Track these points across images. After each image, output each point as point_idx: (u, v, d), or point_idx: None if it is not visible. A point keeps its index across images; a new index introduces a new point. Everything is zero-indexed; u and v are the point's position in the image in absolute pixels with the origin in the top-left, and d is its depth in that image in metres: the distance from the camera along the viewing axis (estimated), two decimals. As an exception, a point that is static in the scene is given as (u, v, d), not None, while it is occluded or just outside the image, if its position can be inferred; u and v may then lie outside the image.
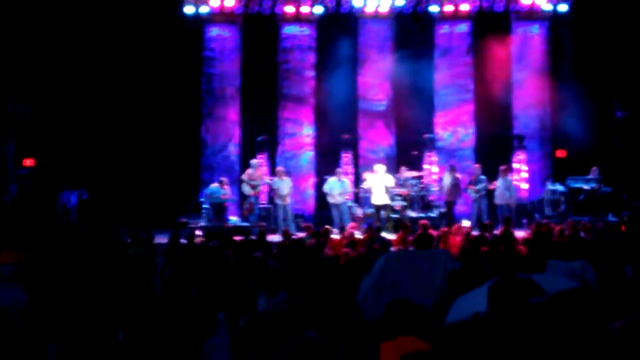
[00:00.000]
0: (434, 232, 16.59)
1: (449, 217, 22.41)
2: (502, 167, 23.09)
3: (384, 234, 18.28)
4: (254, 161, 23.82)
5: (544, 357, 3.85)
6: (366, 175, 22.85)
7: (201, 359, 5.98)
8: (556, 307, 5.66)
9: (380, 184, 21.86)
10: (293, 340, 3.76)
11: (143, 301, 6.37)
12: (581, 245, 14.06)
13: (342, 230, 18.09)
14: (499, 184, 22.67)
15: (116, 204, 23.28)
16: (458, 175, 23.31)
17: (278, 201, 22.85)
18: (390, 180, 22.15)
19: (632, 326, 5.44)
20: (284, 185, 22.81)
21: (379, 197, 21.87)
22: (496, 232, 17.12)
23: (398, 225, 19.53)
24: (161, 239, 17.96)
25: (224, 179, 23.38)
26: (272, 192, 23.60)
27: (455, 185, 23.02)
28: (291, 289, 7.87)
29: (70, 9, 23.65)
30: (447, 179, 23.13)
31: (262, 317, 5.80)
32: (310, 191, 25.82)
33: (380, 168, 22.22)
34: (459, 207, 24.00)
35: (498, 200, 22.76)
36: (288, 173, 23.72)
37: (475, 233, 17.65)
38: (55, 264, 10.60)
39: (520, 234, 17.88)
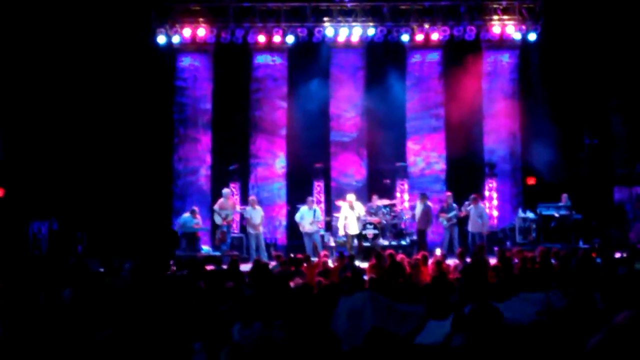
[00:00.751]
0: (406, 260, 16.62)
1: (421, 245, 22.41)
2: (473, 195, 23.20)
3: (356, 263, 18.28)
4: (225, 190, 23.80)
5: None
6: (341, 203, 22.91)
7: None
8: (522, 338, 5.71)
9: (351, 213, 21.93)
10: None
11: (119, 331, 6.33)
12: (552, 272, 14.12)
13: (311, 259, 18.14)
14: (471, 212, 22.74)
15: (88, 233, 23.18)
16: (429, 204, 23.36)
17: (250, 230, 22.84)
18: (361, 208, 22.23)
19: (606, 340, 5.48)
20: (256, 214, 22.81)
21: (352, 227, 21.92)
22: (468, 260, 17.11)
23: (370, 253, 19.56)
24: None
25: (196, 208, 23.35)
26: (245, 221, 23.59)
27: (427, 213, 23.05)
28: (265, 319, 7.85)
29: (43, 36, 23.58)
30: (419, 207, 23.16)
31: (242, 348, 5.79)
32: (283, 220, 25.80)
33: (350, 197, 22.29)
34: (431, 235, 24.05)
35: (470, 227, 22.84)
36: (260, 202, 23.74)
37: (448, 261, 17.71)
38: (28, 296, 10.51)
39: (492, 261, 17.94)
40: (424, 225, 22.96)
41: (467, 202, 23.05)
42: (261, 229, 22.95)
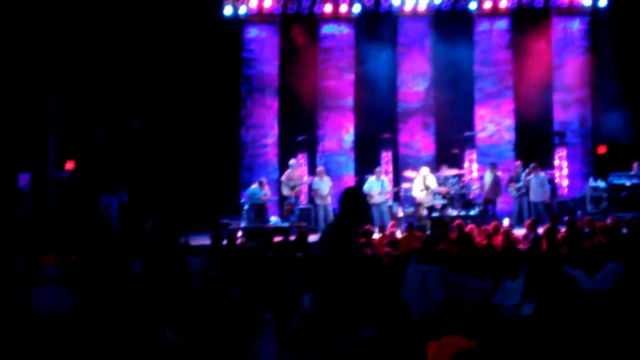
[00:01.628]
0: (475, 230, 16.54)
1: (490, 215, 22.25)
2: (533, 164, 22.92)
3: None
4: (292, 161, 23.83)
5: (590, 355, 3.82)
6: (410, 174, 22.84)
7: (250, 358, 6.00)
8: (598, 307, 5.63)
9: (424, 186, 21.82)
10: (354, 338, 3.75)
11: (188, 301, 6.36)
12: (623, 242, 13.93)
13: (381, 229, 18.07)
14: (531, 181, 22.50)
15: (157, 206, 23.39)
16: (499, 174, 23.15)
17: (318, 201, 22.86)
18: (433, 181, 22.09)
19: None
20: (324, 185, 22.80)
21: (426, 199, 21.83)
22: (540, 230, 16.93)
23: (438, 223, 19.44)
24: (202, 241, 18.05)
25: (264, 179, 23.38)
26: (312, 192, 23.61)
27: (496, 183, 22.83)
28: (334, 290, 7.86)
29: (111, 10, 23.71)
30: (488, 177, 22.95)
31: (312, 316, 5.79)
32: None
33: (424, 170, 22.17)
34: (500, 205, 23.87)
35: (532, 197, 22.59)
36: (327, 173, 23.72)
37: (516, 231, 17.59)
38: (101, 266, 10.65)
39: (563, 230, 17.75)
40: (493, 195, 22.74)
41: (525, 173, 22.79)
42: (329, 199, 22.93)
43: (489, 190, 22.65)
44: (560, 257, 10.54)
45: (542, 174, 22.74)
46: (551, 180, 24.80)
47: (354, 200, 6.76)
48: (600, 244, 13.99)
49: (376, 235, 17.58)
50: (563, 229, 17.08)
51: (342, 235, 6.55)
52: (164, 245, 13.69)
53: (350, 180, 25.68)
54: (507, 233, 15.88)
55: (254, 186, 23.05)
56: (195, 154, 24.65)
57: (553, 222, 17.07)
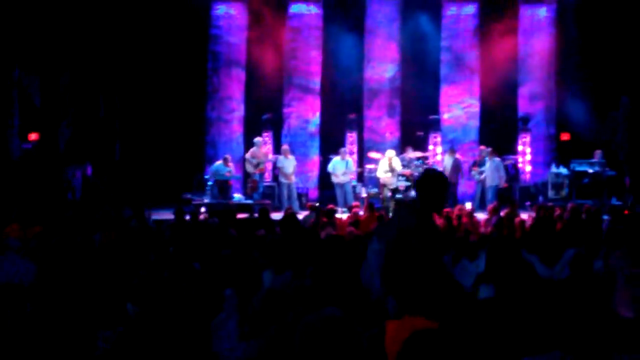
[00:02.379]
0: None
1: (451, 199, 22.38)
2: (489, 149, 23.13)
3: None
4: (257, 139, 23.85)
5: (554, 336, 3.89)
6: (374, 155, 22.95)
7: (209, 334, 6.03)
8: (559, 289, 5.70)
9: (389, 169, 21.89)
10: (313, 317, 3.78)
11: (146, 274, 6.39)
12: (582, 229, 14.09)
13: (349, 209, 18.16)
14: (487, 165, 22.69)
15: (121, 180, 23.35)
16: (458, 156, 23.31)
17: (282, 180, 22.92)
18: (398, 164, 22.18)
19: None
20: (289, 163, 22.86)
21: (391, 181, 21.90)
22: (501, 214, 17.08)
23: (400, 205, 19.52)
24: (165, 215, 18.07)
25: (228, 156, 23.41)
26: (277, 171, 23.66)
27: (457, 167, 23.01)
28: (297, 267, 7.91)
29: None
30: (448, 161, 23.15)
31: (275, 293, 5.84)
32: (314, 171, 25.81)
33: (390, 152, 22.24)
34: (461, 189, 24.05)
35: (488, 182, 22.76)
36: (292, 152, 23.76)
37: (477, 215, 17.73)
38: (64, 238, 10.63)
39: (523, 216, 17.91)
40: (454, 178, 22.88)
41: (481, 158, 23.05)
42: (293, 178, 23.01)
43: (450, 174, 22.73)
44: (519, 242, 10.65)
45: (497, 158, 22.89)
46: (514, 166, 25.03)
47: (435, 184, 6.74)
48: (562, 230, 14.16)
49: (339, 215, 17.68)
50: (523, 214, 17.29)
51: (420, 218, 6.55)
52: (119, 220, 13.72)
53: (315, 160, 25.74)
54: (469, 216, 16.02)
55: (218, 163, 23.06)
56: (161, 128, 24.64)
57: (512, 207, 17.21)
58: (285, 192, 22.85)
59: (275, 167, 24.15)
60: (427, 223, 6.54)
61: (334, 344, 3.74)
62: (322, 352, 3.73)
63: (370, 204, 18.56)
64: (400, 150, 24.10)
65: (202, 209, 20.35)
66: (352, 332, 3.86)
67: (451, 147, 23.87)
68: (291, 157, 23.13)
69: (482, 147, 23.73)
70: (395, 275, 6.19)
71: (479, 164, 23.12)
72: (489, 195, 22.50)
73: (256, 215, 17.93)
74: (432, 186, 6.67)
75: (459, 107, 26.22)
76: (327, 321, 3.81)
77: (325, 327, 3.77)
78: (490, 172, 22.68)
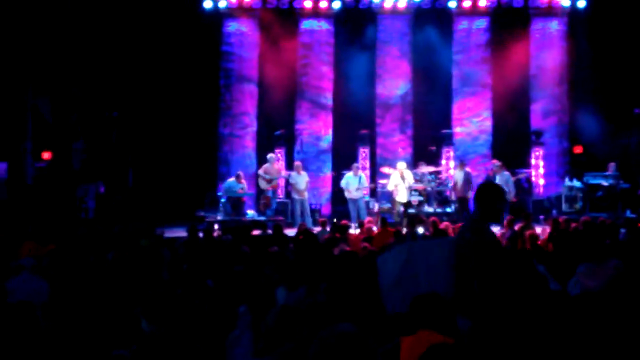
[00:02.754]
0: (451, 227, 16.58)
1: (465, 213, 22.31)
2: (498, 163, 23.06)
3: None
4: (270, 155, 23.87)
5: (576, 353, 3.86)
6: (387, 170, 22.91)
7: (224, 351, 6.02)
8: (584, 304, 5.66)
9: (401, 182, 21.88)
10: (328, 332, 3.76)
11: (161, 292, 6.38)
12: (596, 242, 14.01)
13: (360, 225, 18.13)
14: (496, 179, 22.59)
15: (134, 198, 23.38)
16: (468, 170, 23.23)
17: (295, 196, 22.90)
18: (410, 177, 22.17)
19: None
20: (301, 179, 22.84)
21: (402, 195, 21.88)
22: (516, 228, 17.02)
23: (414, 220, 19.48)
24: (179, 233, 18.07)
25: (241, 173, 23.43)
26: (289, 187, 23.67)
27: (467, 181, 22.90)
28: (311, 284, 7.90)
29: (92, 2, 23.66)
30: (459, 175, 23.01)
31: (289, 310, 5.82)
32: (327, 186, 25.80)
33: (401, 165, 22.23)
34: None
35: None
36: (305, 168, 23.76)
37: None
38: (77, 256, 10.65)
39: (537, 230, 17.85)
40: (466, 192, 22.80)
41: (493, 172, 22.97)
42: (306, 194, 22.98)
43: (461, 188, 22.68)
44: (533, 255, 10.59)
45: (506, 173, 22.77)
46: (528, 179, 25.00)
47: (489, 195, 6.78)
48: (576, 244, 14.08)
49: (353, 231, 17.66)
50: (538, 228, 17.24)
51: (479, 230, 6.57)
52: (132, 238, 13.72)
53: (327, 175, 25.74)
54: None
55: (231, 180, 23.10)
56: (174, 146, 24.71)
57: (527, 221, 17.13)
58: (298, 208, 22.83)
59: (288, 184, 24.16)
60: (483, 235, 6.56)
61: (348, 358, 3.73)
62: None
63: (383, 219, 18.55)
64: (413, 165, 24.08)
65: (216, 226, 20.34)
66: (367, 347, 3.84)
67: (461, 161, 23.81)
68: (303, 173, 23.12)
69: (495, 161, 23.62)
70: (462, 290, 6.21)
71: (492, 178, 23.03)
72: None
73: (269, 231, 17.92)
74: (487, 197, 6.70)
75: (471, 121, 26.19)
76: (341, 337, 3.80)
77: (340, 342, 3.76)
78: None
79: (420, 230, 16.85)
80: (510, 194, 22.51)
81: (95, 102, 24.22)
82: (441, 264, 8.52)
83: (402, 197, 21.93)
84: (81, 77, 23.84)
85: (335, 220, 19.75)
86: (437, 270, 8.28)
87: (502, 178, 22.47)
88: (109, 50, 24.02)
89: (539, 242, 15.45)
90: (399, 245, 9.67)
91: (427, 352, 3.73)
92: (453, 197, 23.45)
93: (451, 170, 24.98)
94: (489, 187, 6.84)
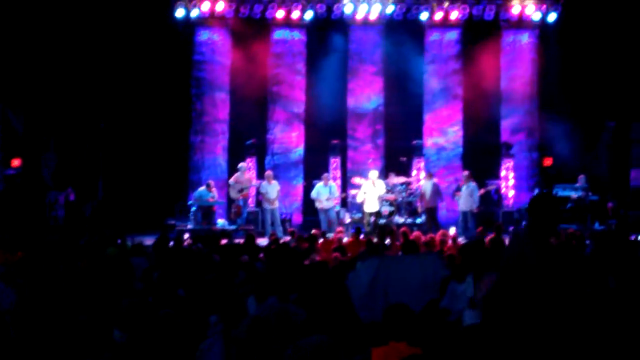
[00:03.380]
0: (422, 238, 16.63)
1: (433, 224, 22.35)
2: (465, 173, 23.19)
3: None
4: (241, 165, 23.87)
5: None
6: (358, 180, 22.91)
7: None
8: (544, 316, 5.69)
9: (372, 190, 21.90)
10: (303, 343, 3.77)
11: (133, 301, 6.37)
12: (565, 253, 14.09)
13: (323, 234, 18.14)
14: (462, 190, 22.67)
15: (104, 206, 23.29)
16: (436, 181, 23.26)
17: (266, 205, 22.89)
18: (382, 186, 22.21)
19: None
20: (272, 189, 22.83)
21: (371, 204, 21.91)
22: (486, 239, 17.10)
23: (384, 230, 19.52)
24: (149, 241, 17.99)
25: (211, 182, 23.40)
26: (260, 196, 23.66)
27: (436, 192, 22.92)
28: (281, 294, 7.90)
29: (59, 11, 23.56)
30: (427, 185, 23.02)
31: (261, 321, 5.83)
32: (298, 196, 25.80)
33: (373, 174, 22.25)
34: (448, 214, 24.07)
35: (462, 206, 22.76)
36: (276, 177, 23.77)
37: (461, 240, 17.76)
38: (46, 264, 10.59)
39: (507, 241, 17.94)
40: (434, 203, 22.87)
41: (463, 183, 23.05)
42: (277, 203, 22.97)
43: (430, 198, 22.71)
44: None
45: (472, 183, 22.82)
46: (497, 191, 25.12)
47: (542, 205, 6.65)
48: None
49: (323, 240, 17.67)
50: (507, 240, 17.30)
51: (535, 241, 6.44)
52: (98, 247, 13.66)
53: (298, 185, 25.74)
54: (454, 240, 16.05)
55: (202, 188, 23.07)
56: (145, 154, 24.61)
57: (497, 232, 17.21)
58: (269, 218, 22.82)
59: (258, 193, 24.15)
60: (536, 246, 6.43)
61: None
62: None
63: (358, 228, 18.61)
64: (384, 175, 24.13)
65: (186, 235, 20.29)
66: (339, 358, 3.86)
67: (429, 171, 23.89)
68: (274, 182, 23.11)
69: (465, 172, 23.70)
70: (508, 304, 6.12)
71: (461, 189, 23.09)
72: (469, 220, 22.48)
73: (239, 240, 17.94)
74: (540, 208, 6.59)
75: (443, 132, 26.31)
76: (315, 348, 3.81)
77: (314, 354, 3.77)
78: (464, 197, 22.66)
79: (387, 241, 16.93)
80: (474, 204, 22.53)
81: (66, 110, 24.08)
82: (418, 281, 8.58)
83: (371, 206, 21.95)
84: (53, 87, 23.73)
85: (304, 230, 19.70)
86: (412, 286, 8.34)
87: (468, 189, 22.56)
88: (80, 59, 23.93)
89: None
90: (370, 259, 9.73)
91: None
92: (420, 208, 23.47)
93: (422, 181, 25.03)
94: (541, 197, 6.74)
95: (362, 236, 18.01)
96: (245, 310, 8.00)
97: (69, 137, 24.23)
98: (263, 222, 23.26)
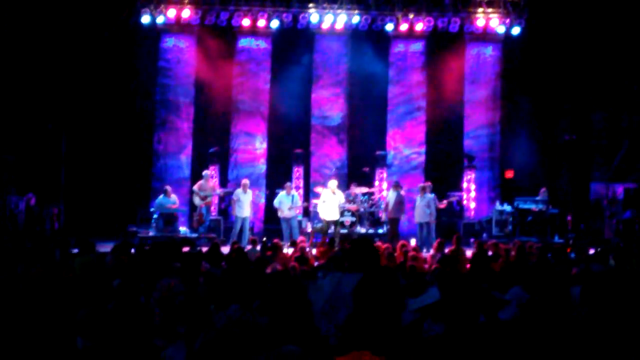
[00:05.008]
0: (382, 247, 16.66)
1: (395, 235, 22.27)
2: (421, 185, 23.23)
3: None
4: (205, 172, 23.82)
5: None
6: (319, 190, 22.90)
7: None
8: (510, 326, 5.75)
9: (331, 199, 21.88)
10: (273, 354, 3.80)
11: (96, 309, 6.35)
12: (527, 266, 14.22)
13: (292, 244, 18.11)
14: (418, 201, 22.62)
15: (65, 211, 23.16)
16: (402, 192, 23.21)
17: (238, 213, 22.62)
18: (341, 196, 22.21)
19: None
20: (246, 198, 22.63)
21: (331, 213, 21.89)
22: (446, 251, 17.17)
23: (346, 240, 19.52)
24: (110, 248, 17.89)
25: (168, 187, 23.29)
26: (223, 204, 23.66)
27: (400, 202, 22.73)
28: (243, 303, 7.88)
29: (22, 13, 23.43)
30: (392, 195, 22.88)
31: (222, 330, 5.82)
32: (261, 203, 25.76)
33: (332, 184, 22.23)
34: (409, 225, 24.12)
35: (418, 218, 22.65)
36: (238, 185, 23.73)
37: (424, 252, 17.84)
38: (3, 269, 10.54)
39: (468, 253, 18.06)
40: (397, 214, 22.68)
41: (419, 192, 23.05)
42: (249, 213, 22.80)
43: (393, 209, 22.54)
44: (466, 278, 10.70)
45: (429, 194, 22.75)
46: (459, 202, 25.28)
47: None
48: (506, 267, 14.28)
49: (286, 250, 17.67)
50: (468, 251, 17.45)
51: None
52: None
53: (260, 194, 25.70)
54: (416, 251, 16.08)
55: (161, 196, 22.97)
56: (108, 161, 24.50)
57: (457, 244, 17.26)
58: (238, 226, 22.51)
59: (221, 201, 24.19)
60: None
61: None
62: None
63: (332, 239, 18.70)
64: (346, 186, 24.19)
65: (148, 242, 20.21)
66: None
67: (396, 182, 23.76)
68: (249, 192, 22.92)
69: (428, 183, 23.75)
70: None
71: (416, 200, 23.06)
72: (424, 231, 22.39)
73: (201, 248, 17.91)
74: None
75: (406, 143, 26.41)
76: (287, 358, 3.83)
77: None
78: (420, 208, 22.53)
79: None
80: (432, 216, 22.44)
81: (28, 114, 23.91)
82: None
83: (331, 215, 21.91)
84: (15, 89, 23.55)
85: (265, 239, 19.67)
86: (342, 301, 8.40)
87: (424, 200, 22.43)
88: (44, 62, 23.78)
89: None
90: (333, 272, 9.78)
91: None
92: (384, 218, 23.49)
93: (384, 192, 25.11)
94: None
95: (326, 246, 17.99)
96: (208, 318, 7.98)
97: (30, 140, 24.02)
98: (226, 230, 23.20)
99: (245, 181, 23.28)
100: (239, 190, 22.85)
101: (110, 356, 5.43)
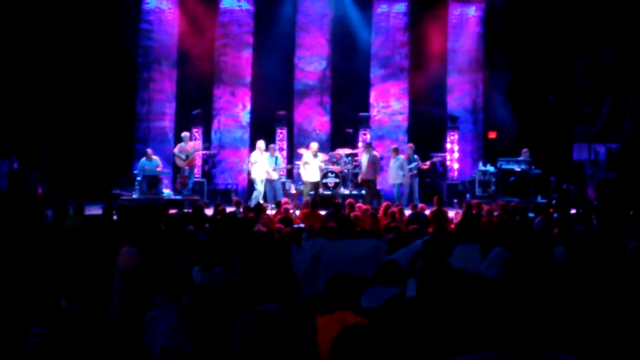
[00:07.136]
0: (362, 207, 16.72)
1: (374, 197, 22.14)
2: (393, 147, 23.20)
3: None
4: (184, 134, 23.74)
5: (485, 334, 3.98)
6: (304, 151, 22.87)
7: (144, 327, 6.03)
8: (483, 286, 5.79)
9: (313, 161, 21.89)
10: (254, 312, 3.83)
11: (80, 270, 6.37)
12: (510, 226, 14.33)
13: (277, 205, 18.12)
14: (391, 164, 22.60)
15: (48, 173, 23.08)
16: (376, 153, 22.94)
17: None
18: (322, 157, 22.21)
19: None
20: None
21: (312, 174, 21.91)
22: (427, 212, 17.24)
23: (330, 201, 19.54)
24: (94, 210, 17.91)
25: (149, 150, 23.13)
26: (207, 167, 23.70)
27: (373, 163, 22.51)
28: (226, 264, 7.92)
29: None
30: (364, 157, 22.68)
31: (205, 290, 5.86)
32: (244, 166, 25.71)
33: (314, 145, 22.20)
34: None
35: (391, 180, 22.71)
36: (222, 147, 23.66)
37: (407, 212, 17.90)
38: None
39: (450, 213, 18.15)
40: (371, 175, 22.36)
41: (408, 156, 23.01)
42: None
43: (366, 170, 22.16)
44: (448, 238, 10.76)
45: (401, 156, 22.65)
46: (442, 163, 25.34)
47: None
48: (490, 227, 14.38)
49: (269, 212, 17.71)
50: (451, 212, 17.55)
51: None
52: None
53: (245, 156, 25.61)
54: (393, 213, 16.12)
55: (143, 159, 22.90)
56: (91, 123, 24.38)
57: (438, 204, 17.29)
58: (268, 190, 22.16)
59: (204, 163, 24.25)
60: None
61: (274, 338, 3.81)
62: (263, 345, 3.80)
63: (306, 201, 18.68)
64: (330, 146, 24.21)
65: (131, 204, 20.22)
66: (290, 325, 3.92)
67: (368, 143, 23.49)
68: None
69: (410, 144, 23.77)
70: None
71: (408, 161, 23.07)
72: (396, 192, 22.36)
73: (186, 210, 17.94)
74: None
75: (389, 104, 26.42)
76: (269, 315, 3.88)
77: (268, 321, 3.84)
78: (393, 170, 22.50)
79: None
80: (405, 178, 22.37)
81: (9, 77, 23.78)
82: (360, 265, 8.71)
83: (312, 176, 21.93)
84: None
85: (240, 200, 19.54)
86: (355, 268, 8.46)
87: (396, 162, 22.33)
88: (23, 24, 23.60)
89: (452, 225, 15.80)
90: (316, 237, 9.86)
91: (340, 334, 3.82)
92: (359, 180, 23.25)
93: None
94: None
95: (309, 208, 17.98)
96: (191, 280, 8.02)
97: (11, 104, 23.89)
98: (265, 194, 22.51)
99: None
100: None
101: (92, 318, 5.46)
